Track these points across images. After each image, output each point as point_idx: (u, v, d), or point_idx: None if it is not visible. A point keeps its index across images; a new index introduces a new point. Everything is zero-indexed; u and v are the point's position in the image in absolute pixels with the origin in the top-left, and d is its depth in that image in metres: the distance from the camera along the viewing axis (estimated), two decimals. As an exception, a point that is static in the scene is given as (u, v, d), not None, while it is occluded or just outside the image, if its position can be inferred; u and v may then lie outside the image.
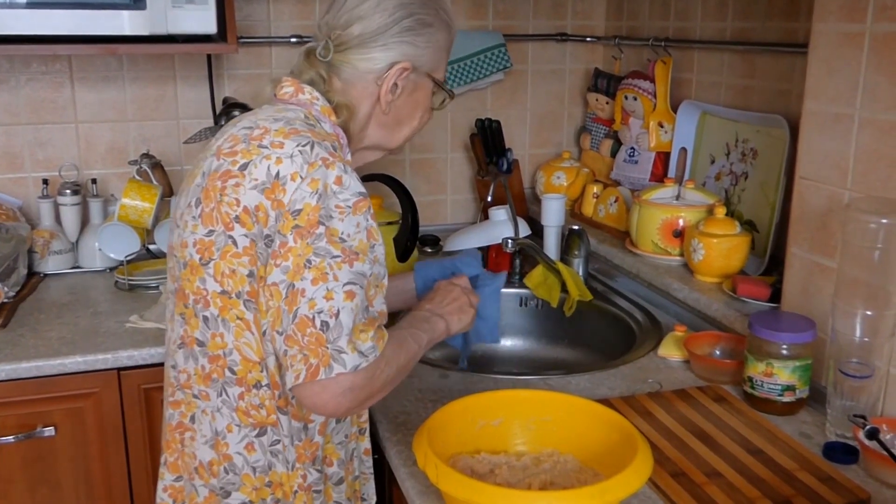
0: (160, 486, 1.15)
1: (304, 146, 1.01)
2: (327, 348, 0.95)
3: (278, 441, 1.08)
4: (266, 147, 1.02)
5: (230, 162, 1.03)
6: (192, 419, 1.09)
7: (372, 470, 1.28)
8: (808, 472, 1.15)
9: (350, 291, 0.97)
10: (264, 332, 1.02)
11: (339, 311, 0.96)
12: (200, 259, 1.02)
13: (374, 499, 1.29)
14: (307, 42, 1.25)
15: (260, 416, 1.06)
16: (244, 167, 1.01)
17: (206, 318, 1.03)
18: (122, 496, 1.70)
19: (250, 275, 1.00)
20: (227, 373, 1.04)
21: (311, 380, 0.95)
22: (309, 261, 0.96)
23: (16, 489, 1.63)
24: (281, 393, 1.07)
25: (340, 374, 0.96)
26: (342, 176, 1.01)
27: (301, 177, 0.99)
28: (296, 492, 1.10)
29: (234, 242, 1.00)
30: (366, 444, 1.26)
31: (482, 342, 1.45)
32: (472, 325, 1.32)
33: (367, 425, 1.25)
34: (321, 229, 0.97)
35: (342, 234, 0.99)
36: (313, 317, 0.95)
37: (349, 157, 1.17)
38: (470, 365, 1.50)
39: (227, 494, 1.08)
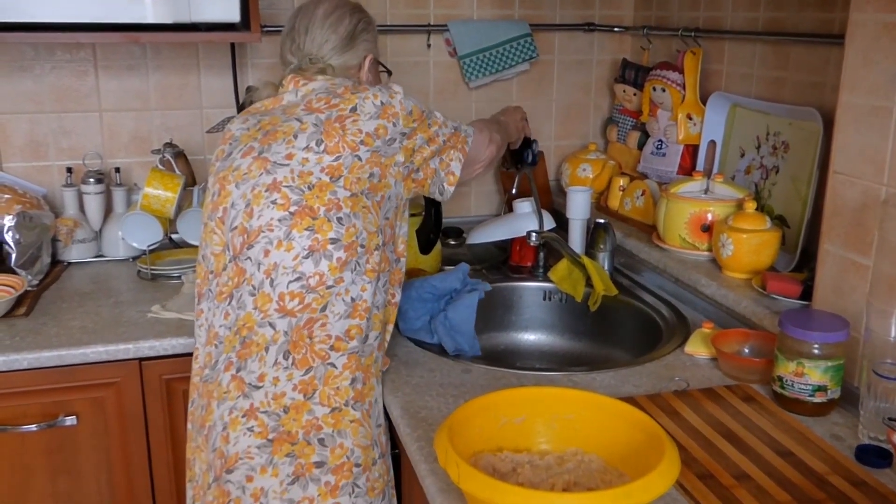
0: (289, 386, 1.32)
1: (380, 88, 1.43)
2: (461, 135, 1.54)
3: (386, 282, 1.43)
4: (359, 92, 1.41)
5: (338, 110, 1.39)
6: (324, 308, 1.33)
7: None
8: (840, 476, 1.12)
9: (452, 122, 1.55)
10: (416, 169, 1.47)
11: (456, 126, 1.54)
12: (331, 178, 1.35)
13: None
14: None
15: (379, 267, 1.40)
16: (353, 109, 1.38)
17: (339, 219, 1.34)
18: (142, 486, 1.70)
19: (370, 175, 1.37)
20: (359, 249, 1.36)
21: (465, 155, 1.53)
22: (429, 123, 1.46)
23: (37, 477, 1.64)
24: (391, 239, 1.44)
25: (474, 140, 1.57)
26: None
27: (396, 93, 1.42)
28: (384, 307, 1.45)
29: (359, 158, 1.37)
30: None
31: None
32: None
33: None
34: (427, 114, 1.47)
35: (430, 110, 1.51)
36: (451, 133, 1.51)
37: None
38: (492, 359, 1.48)
39: (367, 337, 1.38)
